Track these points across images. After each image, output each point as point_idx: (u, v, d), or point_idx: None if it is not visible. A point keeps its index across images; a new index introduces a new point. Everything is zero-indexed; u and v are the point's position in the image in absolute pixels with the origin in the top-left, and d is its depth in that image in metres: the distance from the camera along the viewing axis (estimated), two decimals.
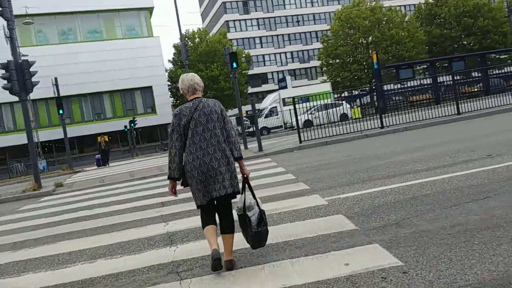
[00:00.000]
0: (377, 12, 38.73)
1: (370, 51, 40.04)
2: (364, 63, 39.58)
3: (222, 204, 3.38)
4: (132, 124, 32.93)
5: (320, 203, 5.07)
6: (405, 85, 22.14)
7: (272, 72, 63.46)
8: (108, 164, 23.73)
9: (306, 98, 28.99)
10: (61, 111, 22.21)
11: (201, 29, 43.62)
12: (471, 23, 38.66)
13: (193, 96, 3.41)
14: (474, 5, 38.66)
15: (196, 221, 4.99)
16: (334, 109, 25.77)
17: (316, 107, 27.15)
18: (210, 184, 3.25)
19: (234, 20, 60.57)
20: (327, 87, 33.36)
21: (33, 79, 12.02)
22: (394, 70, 25.34)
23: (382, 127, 13.62)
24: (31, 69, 11.78)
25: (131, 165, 19.53)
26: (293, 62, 63.92)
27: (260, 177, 7.77)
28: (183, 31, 41.61)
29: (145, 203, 7.29)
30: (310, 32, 63.37)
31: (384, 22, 38.84)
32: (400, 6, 43.35)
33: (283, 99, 33.12)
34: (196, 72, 36.47)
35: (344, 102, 28.25)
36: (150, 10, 38.14)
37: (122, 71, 35.52)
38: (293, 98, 14.60)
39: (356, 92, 34.87)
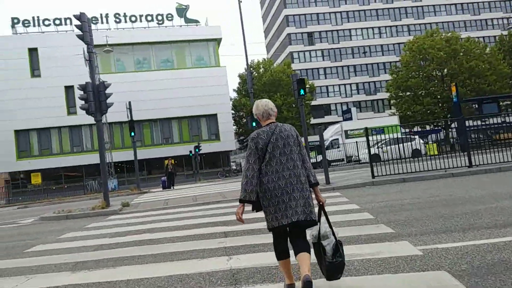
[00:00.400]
0: (453, 43, 36.76)
1: (445, 84, 37.96)
2: (439, 97, 37.46)
3: (294, 231, 3.29)
4: (197, 150, 33.67)
5: (412, 252, 4.29)
6: (490, 121, 20.21)
7: (336, 104, 62.46)
8: (173, 187, 24.14)
9: (380, 129, 27.72)
10: (132, 134, 23.22)
11: (266, 59, 44.33)
12: None
13: (268, 121, 3.44)
14: None
15: (262, 258, 4.61)
16: (406, 144, 24.21)
17: (385, 140, 25.82)
18: (281, 210, 3.21)
19: (298, 51, 61.02)
20: (394, 120, 31.78)
21: (109, 102, 12.51)
22: (475, 105, 23.42)
23: (471, 165, 12.23)
24: (107, 92, 12.28)
25: (194, 189, 19.59)
26: (358, 93, 62.54)
27: (331, 214, 7.09)
28: (248, 61, 42.70)
29: (207, 231, 6.93)
30: (377, 63, 61.92)
31: (461, 54, 36.70)
32: (478, 37, 40.89)
33: (346, 131, 32.06)
34: None
35: (417, 136, 26.59)
36: (218, 41, 39.55)
37: (190, 99, 36.83)
38: (366, 128, 13.71)
39: (429, 127, 32.90)
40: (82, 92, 12.19)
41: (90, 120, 34.13)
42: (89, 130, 36.75)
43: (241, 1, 24.33)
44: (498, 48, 38.48)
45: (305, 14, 60.66)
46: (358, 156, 24.62)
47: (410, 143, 26.24)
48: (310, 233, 3.31)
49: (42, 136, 36.81)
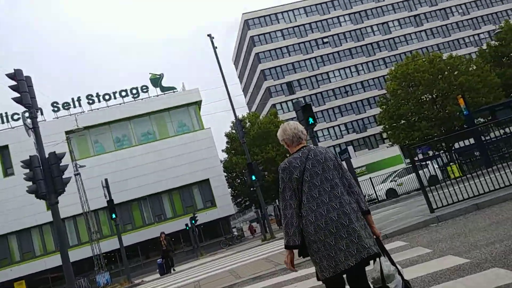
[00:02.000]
0: (437, 63, 35.81)
1: (437, 105, 36.46)
2: (434, 119, 35.72)
3: (356, 274, 2.72)
4: (193, 221, 30.48)
5: None
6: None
7: (328, 147, 60.63)
8: (173, 269, 20.48)
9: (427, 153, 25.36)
10: (114, 216, 20.12)
11: (251, 113, 42.64)
12: None
13: (299, 146, 3.02)
14: None
15: None
16: (420, 172, 21.75)
17: (397, 172, 23.36)
18: (342, 250, 2.65)
19: (281, 102, 60.11)
20: (396, 151, 29.63)
21: (66, 177, 9.68)
22: (489, 115, 21.41)
23: None
24: (62, 164, 9.52)
25: (196, 269, 16.43)
26: (348, 133, 61.06)
27: (431, 281, 4.31)
28: (229, 121, 40.84)
29: None
30: (360, 100, 61.22)
31: (448, 72, 35.61)
32: (460, 55, 40.31)
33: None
34: (251, 156, 34.31)
35: (429, 162, 24.23)
36: (198, 103, 38.00)
37: (178, 168, 34.37)
38: (409, 147, 10.86)
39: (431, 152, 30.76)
40: (27, 170, 9.41)
41: (74, 210, 31.81)
42: (73, 222, 33.54)
43: (216, 48, 22.62)
44: (482, 61, 37.61)
45: (280, 66, 60.63)
46: (375, 193, 21.96)
47: (423, 170, 23.80)
48: (370, 277, 2.78)
49: (22, 238, 33.33)
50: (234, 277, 9.58)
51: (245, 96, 75.33)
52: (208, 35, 23.56)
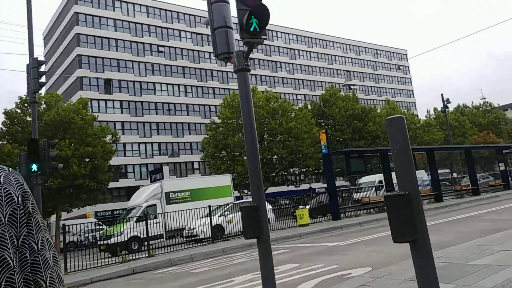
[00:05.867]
0: (273, 101, 34.96)
1: (265, 143, 35.23)
2: (260, 157, 34.15)
3: None
4: None
5: None
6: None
7: (133, 165, 53.53)
8: None
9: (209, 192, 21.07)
10: None
11: (50, 93, 32.44)
12: (360, 127, 37.91)
13: None
14: (362, 109, 38.45)
15: None
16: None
17: (229, 206, 19.19)
18: None
19: (92, 99, 50.36)
20: (227, 180, 25.83)
21: None
22: (343, 158, 19.83)
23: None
24: None
25: None
26: (160, 154, 55.52)
27: None
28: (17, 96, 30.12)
29: None
30: (182, 123, 57.18)
31: (279, 114, 35.06)
32: (292, 94, 40.93)
33: (168, 194, 23.69)
34: None
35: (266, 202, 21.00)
36: None
37: None
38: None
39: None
40: None
41: None
42: None
43: None
44: (310, 111, 38.95)
45: (103, 58, 51.57)
46: (196, 229, 17.09)
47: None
48: None
49: None
50: None
51: (47, 80, 61.58)
52: None
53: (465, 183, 26.25)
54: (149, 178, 36.81)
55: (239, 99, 5.46)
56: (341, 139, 39.76)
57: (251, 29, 4.93)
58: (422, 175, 27.00)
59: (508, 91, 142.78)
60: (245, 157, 34.13)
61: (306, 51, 70.98)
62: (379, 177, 27.75)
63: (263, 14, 4.83)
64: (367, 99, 69.22)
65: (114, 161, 46.50)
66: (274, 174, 36.31)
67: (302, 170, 36.88)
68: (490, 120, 58.80)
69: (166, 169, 33.89)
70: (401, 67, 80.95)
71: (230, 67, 56.15)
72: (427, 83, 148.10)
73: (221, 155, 35.17)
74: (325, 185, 58.25)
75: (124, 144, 51.95)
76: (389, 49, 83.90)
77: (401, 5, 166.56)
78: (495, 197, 22.15)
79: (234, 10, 5.33)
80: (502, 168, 26.09)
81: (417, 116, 53.59)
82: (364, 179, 29.13)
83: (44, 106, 29.49)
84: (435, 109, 59.23)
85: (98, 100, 50.94)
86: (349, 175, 25.02)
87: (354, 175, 30.80)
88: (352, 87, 53.48)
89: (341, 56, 75.73)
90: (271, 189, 37.70)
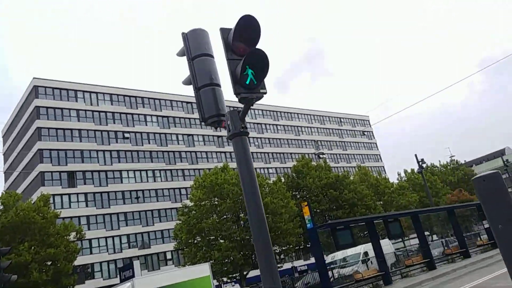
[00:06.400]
0: None
1: (241, 223, 33.40)
2: (238, 238, 32.08)
3: None
4: None
5: None
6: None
7: (101, 263, 49.39)
8: None
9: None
10: None
11: (8, 193, 29.85)
12: (336, 196, 37.07)
13: None
14: (335, 177, 37.93)
15: None
16: None
17: None
18: None
19: (54, 194, 47.45)
20: (206, 270, 23.52)
21: None
22: (329, 232, 18.37)
23: None
24: None
25: None
26: (129, 247, 51.82)
27: None
28: None
29: None
30: (151, 210, 54.53)
31: None
32: (263, 168, 40.04)
33: None
34: None
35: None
36: None
37: None
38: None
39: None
40: None
41: None
42: None
43: None
44: (284, 184, 37.92)
45: (65, 150, 49.79)
46: None
47: None
48: None
49: None
50: None
51: (5, 180, 58.37)
52: None
53: (454, 246, 25.14)
54: (118, 276, 33.54)
55: (238, 168, 4.14)
56: (318, 210, 38.54)
57: (247, 82, 3.94)
58: (386, 244, 25.37)
59: (467, 147, 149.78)
60: (221, 241, 32.10)
61: (273, 124, 72.14)
62: (363, 248, 26.13)
63: (261, 62, 3.85)
64: (337, 167, 69.61)
65: (79, 260, 42.38)
66: (254, 256, 33.97)
67: (283, 248, 34.84)
68: (459, 178, 59.86)
69: (137, 263, 30.90)
70: (365, 133, 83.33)
71: (200, 148, 55.70)
72: (390, 146, 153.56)
73: (195, 241, 32.85)
74: (306, 262, 55.74)
75: (90, 240, 48.29)
76: (352, 116, 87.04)
77: (361, 70, 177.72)
78: (488, 258, 21.04)
79: (223, 61, 4.17)
80: (487, 225, 25.39)
81: (388, 179, 53.75)
82: (340, 253, 26.78)
83: (1, 207, 27.00)
84: (405, 171, 59.97)
85: (61, 195, 48.17)
86: (338, 250, 23.30)
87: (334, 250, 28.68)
88: (321, 156, 53.65)
89: (307, 127, 77.43)
90: (252, 273, 35.12)
